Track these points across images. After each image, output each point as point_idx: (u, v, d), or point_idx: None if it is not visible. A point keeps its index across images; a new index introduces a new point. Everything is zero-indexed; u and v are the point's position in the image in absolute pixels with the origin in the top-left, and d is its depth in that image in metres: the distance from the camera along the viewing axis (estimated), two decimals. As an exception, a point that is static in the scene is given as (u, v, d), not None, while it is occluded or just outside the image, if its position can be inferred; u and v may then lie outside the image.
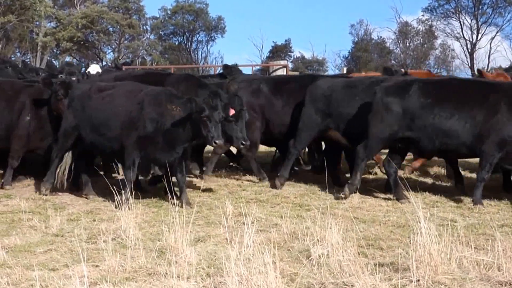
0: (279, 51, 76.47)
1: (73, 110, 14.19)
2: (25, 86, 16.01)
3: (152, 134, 12.98)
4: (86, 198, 13.88)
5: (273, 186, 14.73)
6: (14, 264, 8.96)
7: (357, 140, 13.86)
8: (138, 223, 10.95)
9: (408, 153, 14.98)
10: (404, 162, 15.57)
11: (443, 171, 16.63)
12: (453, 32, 71.87)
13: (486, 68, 67.10)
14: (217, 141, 12.38)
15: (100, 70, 25.42)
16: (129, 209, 11.05)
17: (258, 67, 49.83)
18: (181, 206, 12.55)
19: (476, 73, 20.21)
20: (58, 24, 54.77)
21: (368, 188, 14.20)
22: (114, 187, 12.14)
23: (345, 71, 29.62)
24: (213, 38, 75.29)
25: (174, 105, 12.95)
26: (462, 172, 15.11)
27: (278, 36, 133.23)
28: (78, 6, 64.06)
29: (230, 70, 22.19)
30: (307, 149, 17.95)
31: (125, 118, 13.33)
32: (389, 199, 12.87)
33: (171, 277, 8.05)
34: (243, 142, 13.12)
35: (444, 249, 8.33)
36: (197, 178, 15.91)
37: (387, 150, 14.23)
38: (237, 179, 16.03)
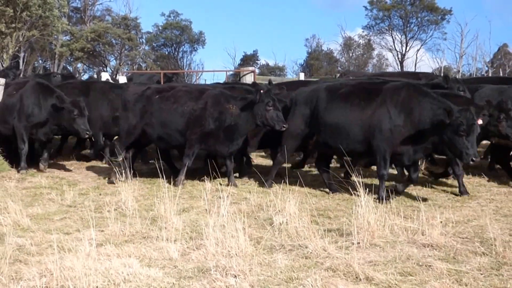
0: (248, 59, 76.17)
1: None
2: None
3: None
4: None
5: None
6: (36, 229, 8.98)
7: None
8: (135, 196, 10.91)
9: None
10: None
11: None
12: (387, 45, 71.97)
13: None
14: (284, 125, 12.07)
15: (109, 78, 25.11)
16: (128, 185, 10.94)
17: (231, 72, 49.77)
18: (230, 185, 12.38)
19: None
20: (72, 37, 54.55)
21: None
22: (116, 168, 12.11)
23: (301, 76, 29.48)
24: (195, 48, 74.87)
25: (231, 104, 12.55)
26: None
27: (248, 47, 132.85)
28: (88, 23, 63.69)
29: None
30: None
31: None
32: (336, 177, 12.78)
33: (161, 240, 8.06)
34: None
35: (380, 218, 8.39)
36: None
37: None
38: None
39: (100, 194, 11.91)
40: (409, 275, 6.85)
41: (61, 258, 7.01)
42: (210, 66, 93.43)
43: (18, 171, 14.21)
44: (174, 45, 74.26)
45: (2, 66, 35.82)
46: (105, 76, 25.24)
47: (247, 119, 12.47)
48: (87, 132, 14.00)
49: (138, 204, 10.42)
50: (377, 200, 10.50)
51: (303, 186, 11.30)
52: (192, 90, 13.43)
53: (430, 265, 7.13)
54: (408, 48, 70.27)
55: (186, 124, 12.82)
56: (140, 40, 67.29)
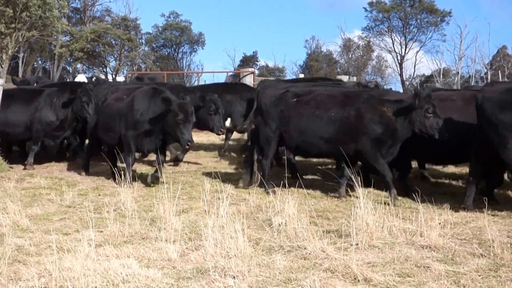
0: (248, 61, 76.12)
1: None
2: None
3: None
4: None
5: None
6: (35, 229, 8.98)
7: None
8: (135, 197, 10.92)
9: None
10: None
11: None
12: (386, 46, 71.95)
13: (412, 75, 67.72)
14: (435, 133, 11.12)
15: (86, 80, 24.67)
16: (127, 186, 10.94)
17: (231, 73, 49.80)
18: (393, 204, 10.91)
19: None
20: (72, 38, 54.53)
21: (317, 170, 14.21)
22: (115, 169, 12.12)
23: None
24: (195, 49, 74.84)
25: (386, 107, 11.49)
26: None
27: (247, 48, 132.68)
28: (88, 24, 63.75)
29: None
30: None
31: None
32: (334, 178, 12.76)
33: (160, 241, 8.06)
34: None
35: (378, 220, 8.40)
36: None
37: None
38: (215, 163, 16.02)
39: (99, 195, 11.92)
40: (407, 276, 6.86)
41: (60, 259, 7.02)
42: (210, 67, 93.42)
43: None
44: (174, 46, 74.26)
45: (1, 67, 35.82)
46: (80, 78, 24.72)
47: (403, 124, 11.39)
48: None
49: (137, 205, 10.43)
50: None
51: (302, 187, 11.33)
52: (336, 93, 12.39)
53: (428, 267, 7.14)
54: (407, 49, 70.39)
55: (335, 132, 11.73)
56: (140, 41, 67.32)
